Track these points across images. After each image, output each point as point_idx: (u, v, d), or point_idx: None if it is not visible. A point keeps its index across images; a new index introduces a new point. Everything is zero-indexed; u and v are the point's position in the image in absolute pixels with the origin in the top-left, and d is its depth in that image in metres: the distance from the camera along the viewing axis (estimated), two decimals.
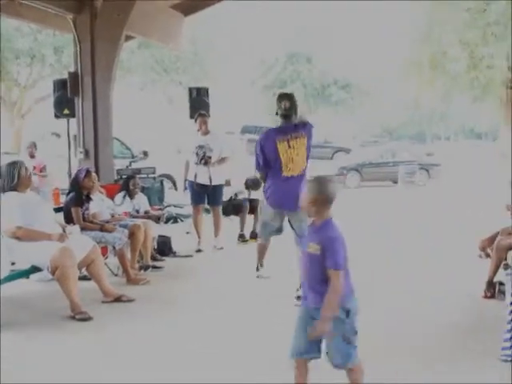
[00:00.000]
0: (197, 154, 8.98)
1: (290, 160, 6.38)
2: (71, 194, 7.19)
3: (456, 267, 7.59)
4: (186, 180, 9.46)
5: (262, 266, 7.07)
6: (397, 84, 34.44)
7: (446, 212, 13.53)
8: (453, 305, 6.08)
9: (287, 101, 6.42)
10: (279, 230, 6.77)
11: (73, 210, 6.99)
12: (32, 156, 12.22)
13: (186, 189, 9.54)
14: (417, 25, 26.03)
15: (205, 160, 8.90)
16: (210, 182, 8.98)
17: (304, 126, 6.47)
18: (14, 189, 5.95)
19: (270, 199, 6.60)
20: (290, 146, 6.35)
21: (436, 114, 49.57)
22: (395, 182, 21.02)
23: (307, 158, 6.47)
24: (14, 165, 6.07)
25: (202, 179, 9.05)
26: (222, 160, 9.19)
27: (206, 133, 9.17)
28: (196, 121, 9.24)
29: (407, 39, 27.13)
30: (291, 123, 6.42)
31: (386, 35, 30.80)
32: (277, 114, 6.51)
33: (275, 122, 6.65)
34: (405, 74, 28.27)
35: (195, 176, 9.07)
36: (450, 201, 16.01)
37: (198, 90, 11.21)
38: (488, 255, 6.40)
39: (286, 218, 6.63)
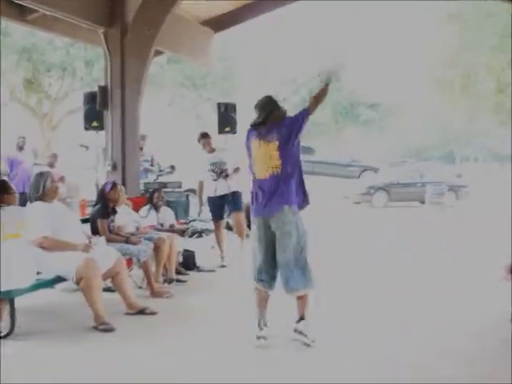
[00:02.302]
0: (213, 170, 9.05)
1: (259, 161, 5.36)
2: (97, 206, 7.26)
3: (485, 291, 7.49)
4: (201, 201, 9.53)
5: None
6: (425, 104, 34.34)
7: (473, 234, 13.36)
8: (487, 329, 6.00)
9: (257, 109, 5.41)
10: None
11: (98, 221, 7.05)
12: (51, 166, 12.27)
13: (202, 205, 9.59)
14: (446, 46, 25.99)
15: (225, 173, 8.98)
16: (229, 189, 9.07)
17: (278, 127, 5.28)
18: (39, 199, 6.01)
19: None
20: (260, 147, 5.31)
21: (464, 134, 49.22)
22: (423, 202, 20.78)
23: (282, 158, 5.19)
24: (40, 176, 6.15)
25: (222, 191, 9.13)
26: (236, 169, 9.21)
27: (212, 150, 9.29)
28: (199, 141, 9.34)
29: (436, 60, 27.09)
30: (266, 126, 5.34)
31: (415, 56, 30.75)
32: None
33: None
34: (433, 95, 28.21)
35: (215, 191, 9.16)
36: (476, 222, 15.83)
37: (226, 105, 11.40)
38: None
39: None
